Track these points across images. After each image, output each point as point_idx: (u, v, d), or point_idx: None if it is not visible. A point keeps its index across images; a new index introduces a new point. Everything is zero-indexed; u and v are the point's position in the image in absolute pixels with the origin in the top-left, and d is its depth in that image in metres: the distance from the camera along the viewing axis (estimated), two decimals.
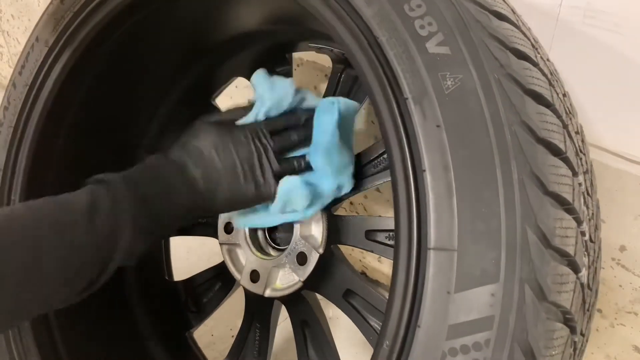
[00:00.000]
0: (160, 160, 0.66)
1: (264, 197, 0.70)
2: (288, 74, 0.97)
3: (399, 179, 0.50)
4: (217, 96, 1.02)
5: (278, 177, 0.69)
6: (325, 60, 1.02)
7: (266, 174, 0.68)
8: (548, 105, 0.49)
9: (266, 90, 0.72)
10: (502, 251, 0.45)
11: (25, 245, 0.51)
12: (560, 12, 0.76)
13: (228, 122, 0.71)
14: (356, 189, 0.74)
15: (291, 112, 0.73)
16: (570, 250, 0.48)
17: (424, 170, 0.48)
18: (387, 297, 0.52)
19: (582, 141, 0.59)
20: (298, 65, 1.10)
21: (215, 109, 1.01)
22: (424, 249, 0.48)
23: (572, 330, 0.49)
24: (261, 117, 0.71)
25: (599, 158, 0.77)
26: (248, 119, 0.71)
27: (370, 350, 0.81)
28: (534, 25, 0.62)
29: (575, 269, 0.49)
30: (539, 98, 0.48)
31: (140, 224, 0.59)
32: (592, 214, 0.57)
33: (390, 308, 0.50)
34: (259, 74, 0.74)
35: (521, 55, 0.49)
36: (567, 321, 0.48)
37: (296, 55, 1.08)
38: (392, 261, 0.96)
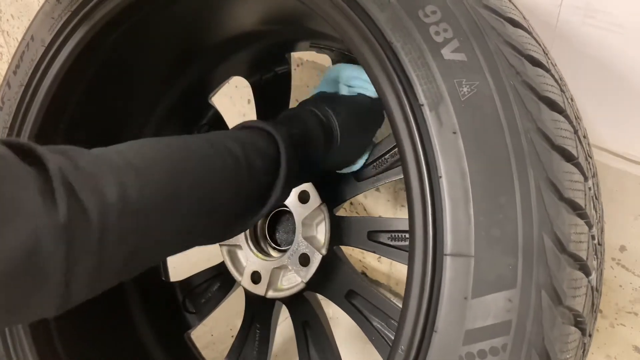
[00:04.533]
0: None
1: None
2: (287, 73, 0.97)
3: (414, 185, 0.50)
4: (214, 95, 1.01)
5: None
6: (325, 60, 1.01)
7: None
8: (561, 111, 0.50)
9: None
10: (519, 257, 0.45)
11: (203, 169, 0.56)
12: (560, 12, 0.77)
13: None
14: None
15: None
16: (583, 254, 0.48)
17: (440, 177, 0.48)
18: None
19: (589, 144, 0.60)
20: (298, 65, 1.09)
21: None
22: (440, 255, 0.48)
23: (583, 332, 0.50)
24: None
25: (600, 158, 0.77)
26: None
27: (371, 350, 0.81)
28: (534, 25, 0.62)
29: (587, 273, 0.50)
30: (553, 105, 0.49)
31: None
32: (599, 216, 0.58)
33: (406, 312, 0.50)
34: None
35: (535, 62, 0.50)
36: (579, 324, 0.49)
37: (296, 55, 1.08)
38: (392, 261, 0.95)
